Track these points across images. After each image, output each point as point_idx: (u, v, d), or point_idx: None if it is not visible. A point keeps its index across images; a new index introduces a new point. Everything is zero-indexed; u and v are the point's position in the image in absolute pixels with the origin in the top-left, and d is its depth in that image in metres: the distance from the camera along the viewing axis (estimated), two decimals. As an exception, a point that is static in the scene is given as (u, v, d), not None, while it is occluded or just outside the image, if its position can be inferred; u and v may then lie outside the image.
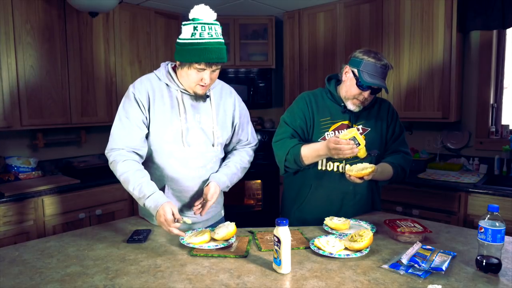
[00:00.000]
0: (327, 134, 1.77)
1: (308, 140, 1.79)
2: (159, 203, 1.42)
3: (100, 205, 2.87)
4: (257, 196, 3.90)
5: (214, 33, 1.43)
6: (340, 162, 1.76)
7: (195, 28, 1.41)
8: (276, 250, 1.21)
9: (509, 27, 2.72)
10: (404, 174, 1.80)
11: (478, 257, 1.21)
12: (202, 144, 1.62)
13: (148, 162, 1.64)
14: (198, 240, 1.40)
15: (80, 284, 1.15)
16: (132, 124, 1.54)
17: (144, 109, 1.54)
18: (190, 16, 1.44)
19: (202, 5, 1.44)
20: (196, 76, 1.48)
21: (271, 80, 3.99)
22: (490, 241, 1.17)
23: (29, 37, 2.71)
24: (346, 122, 1.78)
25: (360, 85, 1.67)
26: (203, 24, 1.41)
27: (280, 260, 1.19)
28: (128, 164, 1.51)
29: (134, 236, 1.52)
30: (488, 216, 1.18)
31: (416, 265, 1.20)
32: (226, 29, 3.71)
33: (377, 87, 1.67)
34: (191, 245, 1.38)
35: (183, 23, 1.45)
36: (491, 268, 1.18)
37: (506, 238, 1.40)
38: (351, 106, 1.74)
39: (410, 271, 1.19)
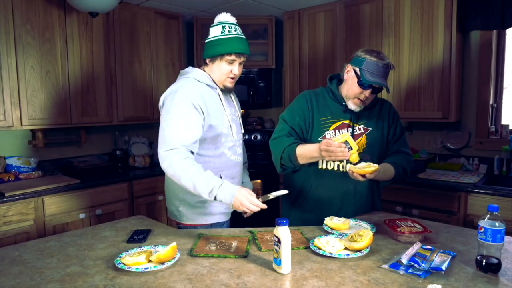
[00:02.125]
0: (327, 133, 1.77)
1: (307, 139, 1.79)
2: (233, 190, 1.47)
3: (100, 205, 2.88)
4: (257, 196, 3.90)
5: (239, 31, 1.67)
6: (341, 161, 1.76)
7: (223, 27, 1.64)
8: (276, 250, 1.21)
9: (509, 27, 2.72)
10: (405, 174, 1.80)
11: (478, 257, 1.21)
12: (240, 133, 1.85)
13: (205, 157, 1.72)
14: (132, 260, 1.25)
15: (80, 284, 1.15)
16: (191, 125, 1.60)
17: (202, 113, 1.64)
18: (217, 20, 1.68)
19: (224, 13, 1.68)
20: (227, 68, 1.67)
21: (271, 80, 3.99)
22: (490, 241, 1.17)
23: (29, 37, 2.71)
24: (347, 122, 1.78)
25: (362, 83, 1.67)
26: (230, 24, 1.66)
27: (280, 260, 1.19)
28: (190, 161, 1.54)
29: (134, 236, 1.52)
30: (488, 216, 1.18)
31: (416, 265, 1.20)
32: (226, 29, 3.70)
33: (379, 86, 1.67)
34: (121, 266, 1.24)
35: (212, 25, 1.67)
36: (491, 268, 1.18)
37: (506, 238, 1.40)
38: (352, 105, 1.75)
39: (410, 271, 1.19)
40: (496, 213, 1.18)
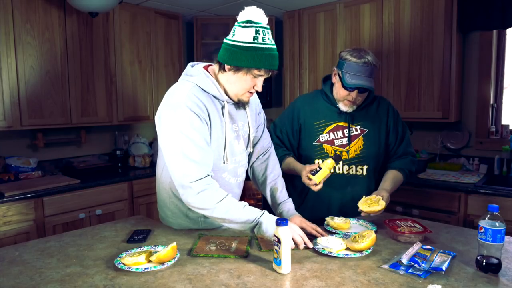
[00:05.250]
0: (321, 137, 1.80)
1: (298, 144, 1.87)
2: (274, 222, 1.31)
3: (100, 205, 2.88)
4: (257, 196, 3.90)
5: (272, 39, 1.36)
6: (337, 162, 1.79)
7: (257, 32, 1.32)
8: (276, 250, 1.21)
9: (509, 27, 2.72)
10: (411, 175, 1.87)
11: (478, 257, 1.21)
12: (243, 152, 1.60)
13: None
14: (132, 260, 1.24)
15: (80, 284, 1.15)
16: (207, 145, 1.40)
17: (208, 128, 1.43)
18: (244, 17, 1.34)
19: (255, 7, 1.35)
20: (250, 82, 1.39)
21: (271, 80, 3.99)
22: (490, 241, 1.16)
23: (29, 37, 2.71)
24: (341, 123, 1.80)
25: (345, 87, 1.69)
26: (263, 28, 1.33)
27: (280, 260, 1.19)
28: (221, 192, 1.38)
29: (134, 236, 1.52)
30: (488, 216, 1.18)
31: (416, 265, 1.20)
32: (226, 29, 3.70)
33: (360, 87, 1.67)
34: (121, 266, 1.24)
35: (240, 24, 1.33)
36: (491, 268, 1.18)
37: (506, 238, 1.40)
38: (343, 107, 1.77)
39: (410, 271, 1.19)
40: (496, 213, 1.18)
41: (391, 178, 1.76)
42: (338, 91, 1.75)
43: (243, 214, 1.36)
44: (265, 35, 1.33)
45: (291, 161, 1.81)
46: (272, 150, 1.76)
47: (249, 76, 1.37)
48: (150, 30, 3.45)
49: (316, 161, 1.80)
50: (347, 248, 1.35)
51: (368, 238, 1.33)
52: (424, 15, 2.85)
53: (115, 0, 2.78)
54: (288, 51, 3.71)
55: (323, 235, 1.47)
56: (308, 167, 1.63)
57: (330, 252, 1.32)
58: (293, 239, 1.33)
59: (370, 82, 1.66)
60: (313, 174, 1.59)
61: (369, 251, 1.34)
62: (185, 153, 1.34)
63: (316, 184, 1.59)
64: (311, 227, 1.52)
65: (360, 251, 1.33)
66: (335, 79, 1.77)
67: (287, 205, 1.65)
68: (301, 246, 1.36)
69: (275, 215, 1.63)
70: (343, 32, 3.29)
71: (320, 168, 1.59)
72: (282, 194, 1.68)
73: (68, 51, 2.92)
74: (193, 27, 3.79)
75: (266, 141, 1.73)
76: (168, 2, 3.34)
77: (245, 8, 1.35)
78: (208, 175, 1.37)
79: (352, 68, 1.65)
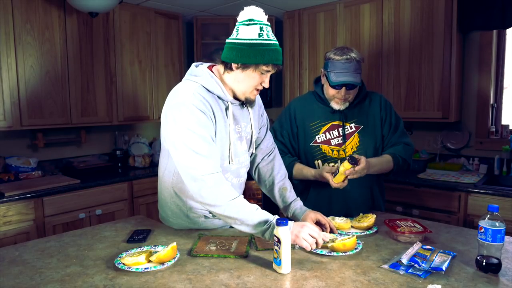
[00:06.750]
0: (318, 137, 1.82)
1: (297, 145, 1.88)
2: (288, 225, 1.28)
3: (100, 205, 2.88)
4: (257, 196, 3.90)
5: (274, 36, 1.39)
6: (335, 162, 1.80)
7: (261, 29, 1.34)
8: (276, 250, 1.21)
9: (509, 27, 2.72)
10: (406, 164, 1.82)
11: (478, 257, 1.21)
12: (246, 153, 1.60)
13: None
14: (132, 260, 1.24)
15: (80, 284, 1.15)
16: (213, 141, 1.41)
17: (214, 125, 1.43)
18: (246, 17, 1.36)
19: (254, 7, 1.38)
20: (258, 79, 1.41)
21: (271, 80, 3.98)
22: (490, 241, 1.16)
23: (29, 37, 2.71)
24: (336, 122, 1.81)
25: (331, 86, 1.71)
26: (266, 26, 1.36)
27: (280, 260, 1.19)
28: (234, 191, 1.38)
29: (134, 236, 1.52)
30: (488, 216, 1.18)
31: (416, 265, 1.20)
32: (226, 29, 3.70)
33: (346, 83, 1.68)
34: (121, 266, 1.24)
35: (244, 23, 1.36)
36: (491, 268, 1.18)
37: (506, 238, 1.40)
38: (335, 105, 1.79)
39: (410, 271, 1.19)
40: (496, 213, 1.18)
41: (377, 157, 1.77)
42: (327, 91, 1.78)
43: (256, 216, 1.34)
44: (268, 31, 1.36)
45: (301, 167, 1.83)
46: (277, 151, 1.76)
47: (257, 73, 1.39)
48: (150, 30, 3.45)
49: (334, 164, 1.80)
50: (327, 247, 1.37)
51: (344, 240, 1.34)
52: (424, 15, 2.85)
53: (115, 0, 2.78)
54: (288, 51, 3.71)
55: (333, 231, 1.50)
56: (328, 168, 1.69)
57: (314, 250, 1.35)
58: (304, 240, 1.30)
59: (355, 78, 1.68)
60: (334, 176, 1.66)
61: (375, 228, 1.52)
62: (194, 148, 1.33)
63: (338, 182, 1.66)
64: (326, 220, 1.54)
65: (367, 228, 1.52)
66: (324, 80, 1.80)
67: (299, 203, 1.65)
68: (313, 246, 1.31)
69: (282, 215, 1.65)
70: (343, 32, 3.29)
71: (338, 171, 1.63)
72: (291, 193, 1.68)
73: (68, 51, 2.92)
74: (193, 27, 3.79)
75: (270, 141, 1.74)
76: (168, 2, 3.34)
77: (245, 8, 1.38)
78: (219, 171, 1.37)
79: (336, 66, 1.68)
